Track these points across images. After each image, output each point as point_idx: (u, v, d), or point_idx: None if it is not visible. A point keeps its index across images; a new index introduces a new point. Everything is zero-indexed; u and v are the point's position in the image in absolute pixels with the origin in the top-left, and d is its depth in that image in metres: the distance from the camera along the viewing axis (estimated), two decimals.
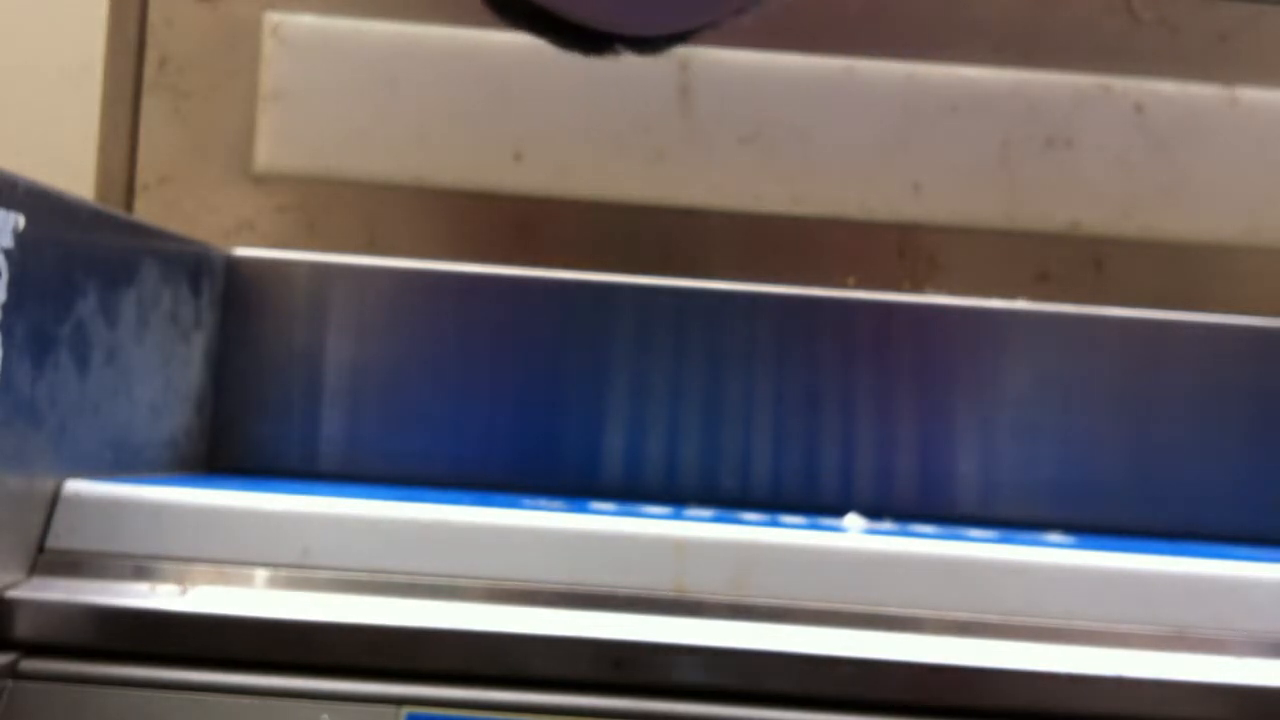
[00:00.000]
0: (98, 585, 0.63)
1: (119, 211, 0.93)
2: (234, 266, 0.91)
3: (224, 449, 0.89)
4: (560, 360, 0.91)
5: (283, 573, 0.64)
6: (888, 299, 0.92)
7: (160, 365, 0.79)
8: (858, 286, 0.96)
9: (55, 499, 0.64)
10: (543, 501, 0.76)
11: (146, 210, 0.98)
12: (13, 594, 0.61)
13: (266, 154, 0.98)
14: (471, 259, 0.92)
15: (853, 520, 0.80)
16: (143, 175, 0.99)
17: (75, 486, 0.65)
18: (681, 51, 0.99)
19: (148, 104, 0.99)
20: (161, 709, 0.60)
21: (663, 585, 0.63)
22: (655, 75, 0.99)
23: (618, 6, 0.63)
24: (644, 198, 0.98)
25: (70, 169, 0.93)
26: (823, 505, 0.87)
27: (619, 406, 0.90)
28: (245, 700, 0.60)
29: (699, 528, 0.66)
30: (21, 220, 0.60)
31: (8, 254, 0.60)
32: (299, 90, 0.98)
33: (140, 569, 0.64)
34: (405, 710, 0.60)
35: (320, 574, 0.64)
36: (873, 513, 0.83)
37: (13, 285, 0.60)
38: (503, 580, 0.63)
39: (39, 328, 0.63)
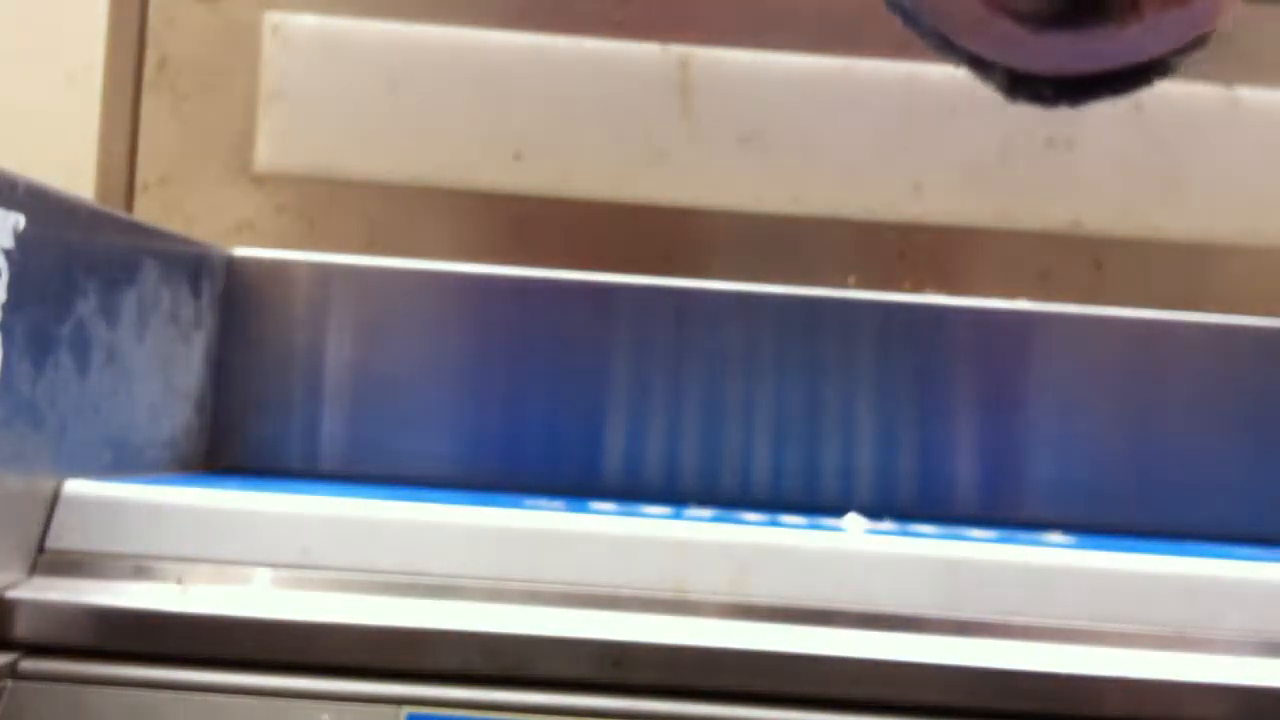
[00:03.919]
0: (97, 585, 0.63)
1: (119, 211, 0.93)
2: (234, 266, 0.90)
3: (224, 449, 0.89)
4: (560, 360, 0.91)
5: (283, 573, 0.64)
6: (888, 299, 0.92)
7: (160, 365, 0.79)
8: (858, 286, 0.96)
9: (55, 499, 0.64)
10: (543, 501, 0.76)
11: (146, 210, 0.98)
12: (13, 594, 0.61)
13: (266, 154, 0.98)
14: (471, 259, 0.92)
15: (853, 520, 0.80)
16: (143, 175, 0.99)
17: (75, 486, 0.65)
18: (681, 51, 0.99)
19: (148, 104, 0.99)
20: (161, 709, 0.60)
21: (663, 585, 0.63)
22: (655, 75, 0.99)
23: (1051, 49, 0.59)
24: (644, 198, 0.98)
25: (70, 169, 0.93)
26: (823, 505, 0.87)
27: (619, 406, 0.90)
28: (245, 700, 0.60)
29: (699, 528, 0.66)
30: (22, 220, 0.60)
31: (8, 254, 0.60)
32: (299, 90, 0.98)
33: (140, 569, 0.64)
34: (406, 710, 0.60)
35: (320, 574, 0.64)
36: (873, 513, 0.83)
37: (13, 285, 0.60)
38: (503, 580, 0.63)
39: (39, 328, 0.63)
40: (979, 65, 0.61)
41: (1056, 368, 0.91)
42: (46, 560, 0.64)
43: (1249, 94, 1.00)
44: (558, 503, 0.77)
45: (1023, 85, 0.61)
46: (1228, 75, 1.00)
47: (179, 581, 0.63)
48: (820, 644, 0.61)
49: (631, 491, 0.88)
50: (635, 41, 0.99)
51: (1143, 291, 0.97)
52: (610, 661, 0.61)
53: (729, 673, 0.61)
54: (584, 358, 0.91)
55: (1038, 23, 0.57)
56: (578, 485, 0.89)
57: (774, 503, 0.89)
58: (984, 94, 0.67)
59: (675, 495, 0.88)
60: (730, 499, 0.88)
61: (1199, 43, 0.61)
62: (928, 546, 0.65)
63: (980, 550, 0.65)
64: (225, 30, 0.99)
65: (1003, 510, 0.89)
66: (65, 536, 0.64)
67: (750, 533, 0.66)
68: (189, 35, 0.99)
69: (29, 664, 0.60)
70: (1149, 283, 0.98)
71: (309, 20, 0.99)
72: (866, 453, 0.90)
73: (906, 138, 0.99)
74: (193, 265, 0.84)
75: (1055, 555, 0.65)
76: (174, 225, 0.87)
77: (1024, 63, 0.59)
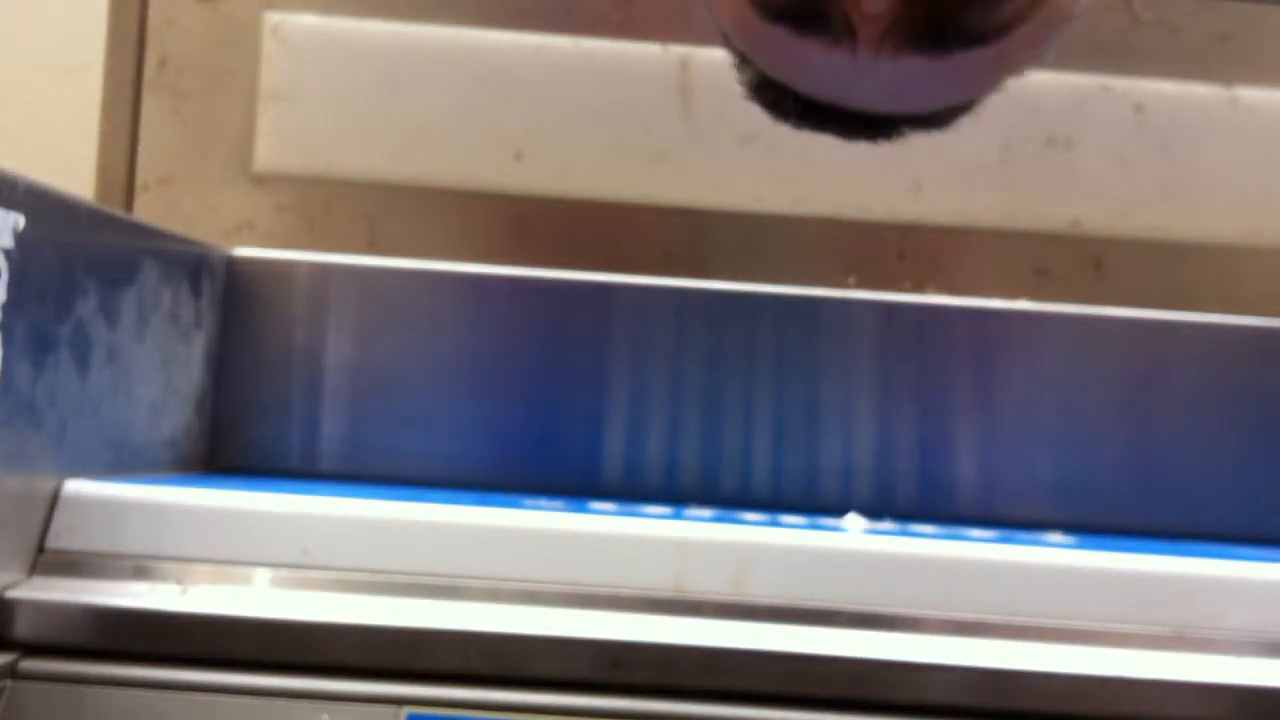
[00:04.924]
0: (98, 585, 0.63)
1: (119, 211, 0.93)
2: (234, 266, 0.91)
3: (224, 449, 0.89)
4: (560, 360, 0.91)
5: (283, 573, 0.64)
6: (888, 299, 0.92)
7: (160, 365, 0.79)
8: (858, 286, 0.96)
9: (55, 499, 0.65)
10: (543, 501, 0.76)
11: (146, 210, 0.98)
12: (13, 594, 0.61)
13: (266, 154, 0.98)
14: (471, 259, 0.92)
15: (853, 520, 0.80)
16: (143, 175, 0.99)
17: (75, 486, 0.65)
18: (681, 51, 0.99)
19: (148, 104, 0.99)
20: (161, 709, 0.60)
21: (662, 585, 0.63)
22: (655, 75, 0.99)
23: (896, 91, 0.57)
24: (644, 198, 0.99)
25: (70, 169, 0.93)
26: (823, 505, 0.87)
27: (619, 406, 0.90)
28: (245, 700, 0.60)
29: (699, 528, 0.66)
30: (22, 220, 0.60)
31: (8, 254, 0.60)
32: (299, 90, 0.98)
33: (140, 569, 0.64)
34: (406, 710, 0.60)
35: (320, 574, 0.64)
36: (873, 513, 0.83)
37: (13, 285, 0.60)
38: (503, 580, 0.64)
39: (39, 328, 0.63)
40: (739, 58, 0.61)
41: (1056, 368, 0.91)
42: (46, 560, 0.64)
43: (1249, 94, 1.00)
44: (557, 503, 0.77)
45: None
46: (1228, 75, 1.00)
47: (179, 582, 0.63)
48: (820, 644, 0.61)
49: (631, 491, 0.88)
50: (635, 41, 0.99)
51: (1143, 291, 0.97)
52: (610, 662, 0.61)
53: (728, 673, 0.61)
54: (584, 358, 0.91)
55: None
56: (578, 485, 0.89)
57: (774, 503, 0.89)
58: None
59: (675, 495, 0.88)
60: (730, 499, 0.88)
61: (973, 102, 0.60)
62: (928, 546, 0.65)
63: (980, 550, 0.65)
64: (225, 30, 0.99)
65: (1003, 510, 0.89)
66: (65, 536, 0.64)
67: (750, 532, 0.66)
68: (189, 35, 0.99)
69: (29, 664, 0.60)
70: (1149, 283, 0.98)
71: (309, 20, 0.99)
72: (866, 453, 0.90)
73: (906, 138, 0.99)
74: (193, 265, 0.84)
75: (1055, 555, 0.65)
76: (174, 225, 0.87)
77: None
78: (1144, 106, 0.99)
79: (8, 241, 0.59)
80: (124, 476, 0.70)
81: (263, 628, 0.62)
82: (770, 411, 0.90)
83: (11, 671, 0.60)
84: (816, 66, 0.54)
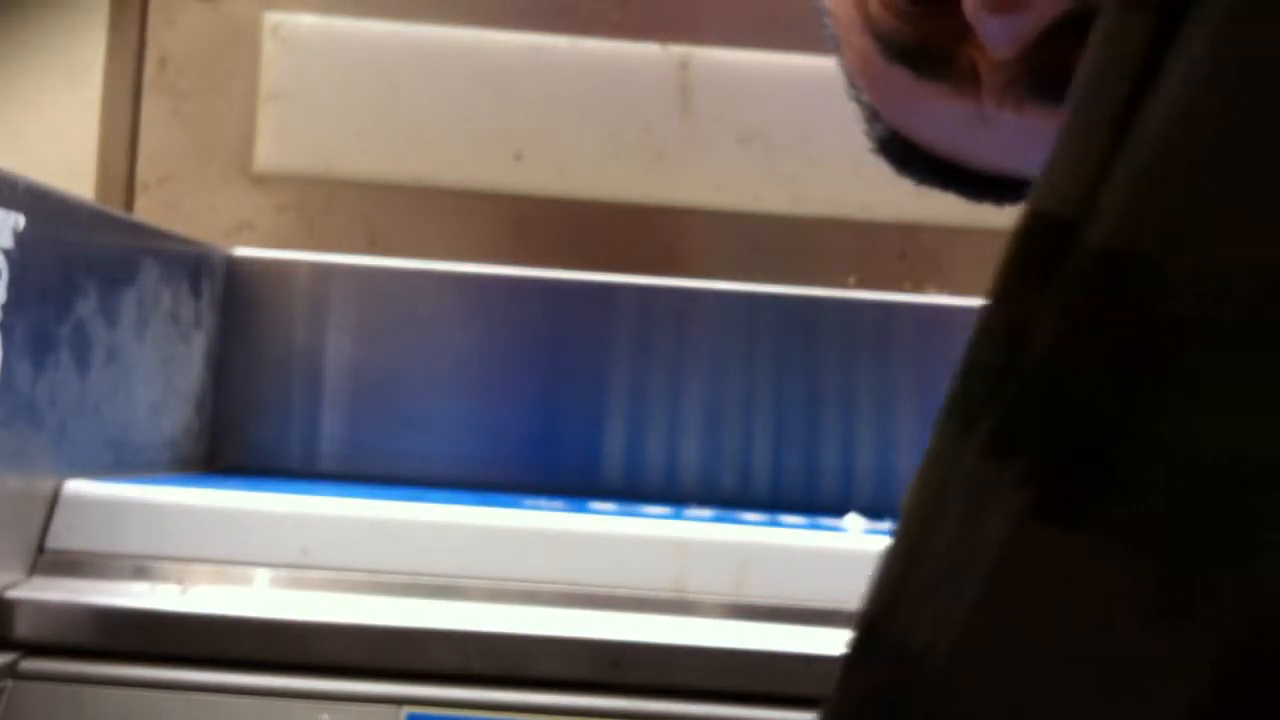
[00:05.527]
0: (98, 585, 0.63)
1: (119, 211, 0.93)
2: (234, 266, 0.91)
3: (224, 449, 0.89)
4: (560, 360, 0.91)
5: (283, 573, 0.64)
6: (888, 299, 0.92)
7: (160, 365, 0.79)
8: (858, 286, 0.96)
9: (55, 499, 0.65)
10: (543, 501, 0.76)
11: (146, 210, 0.98)
12: (13, 594, 0.61)
13: (266, 154, 0.99)
14: (471, 259, 0.93)
15: (853, 520, 0.80)
16: (143, 175, 0.99)
17: (75, 486, 0.65)
18: (681, 51, 0.99)
19: (148, 104, 0.99)
20: (161, 709, 0.60)
21: (662, 585, 0.63)
22: (655, 75, 0.99)
23: (1016, 149, 0.53)
24: (644, 198, 0.99)
25: (70, 169, 0.94)
26: (823, 505, 0.87)
27: (619, 406, 0.90)
28: (245, 700, 0.60)
29: (699, 528, 0.66)
30: (21, 220, 0.60)
31: (8, 254, 0.60)
32: (299, 90, 0.98)
33: (140, 569, 0.64)
34: (405, 710, 0.60)
35: (320, 574, 0.64)
36: (873, 513, 0.83)
37: (13, 285, 0.60)
38: (503, 580, 0.64)
39: (39, 328, 0.63)
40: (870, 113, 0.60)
41: None
42: (46, 560, 0.64)
43: None
44: (557, 503, 0.77)
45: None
46: None
47: (179, 581, 0.63)
48: (820, 644, 0.61)
49: (631, 491, 0.88)
50: (635, 41, 0.99)
51: None
52: (609, 662, 0.61)
53: (728, 673, 0.61)
54: (584, 358, 0.91)
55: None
56: (578, 485, 0.89)
57: (774, 503, 0.89)
58: None
59: (675, 495, 0.88)
60: (730, 499, 0.88)
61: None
62: None
63: None
64: (225, 30, 0.99)
65: None
66: (65, 536, 0.64)
67: (750, 532, 0.66)
68: (189, 35, 0.99)
69: (29, 664, 0.60)
70: None
71: (309, 20, 0.99)
72: (866, 453, 0.90)
73: None
74: (193, 265, 0.84)
75: None
76: (174, 225, 0.87)
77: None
78: None
79: (8, 241, 0.59)
80: (124, 476, 0.70)
81: (263, 628, 0.62)
82: (770, 411, 0.90)
83: (11, 671, 0.60)
84: (936, 113, 0.53)
